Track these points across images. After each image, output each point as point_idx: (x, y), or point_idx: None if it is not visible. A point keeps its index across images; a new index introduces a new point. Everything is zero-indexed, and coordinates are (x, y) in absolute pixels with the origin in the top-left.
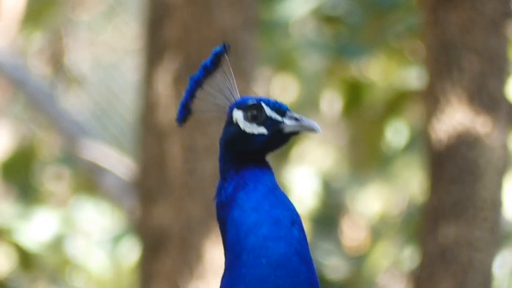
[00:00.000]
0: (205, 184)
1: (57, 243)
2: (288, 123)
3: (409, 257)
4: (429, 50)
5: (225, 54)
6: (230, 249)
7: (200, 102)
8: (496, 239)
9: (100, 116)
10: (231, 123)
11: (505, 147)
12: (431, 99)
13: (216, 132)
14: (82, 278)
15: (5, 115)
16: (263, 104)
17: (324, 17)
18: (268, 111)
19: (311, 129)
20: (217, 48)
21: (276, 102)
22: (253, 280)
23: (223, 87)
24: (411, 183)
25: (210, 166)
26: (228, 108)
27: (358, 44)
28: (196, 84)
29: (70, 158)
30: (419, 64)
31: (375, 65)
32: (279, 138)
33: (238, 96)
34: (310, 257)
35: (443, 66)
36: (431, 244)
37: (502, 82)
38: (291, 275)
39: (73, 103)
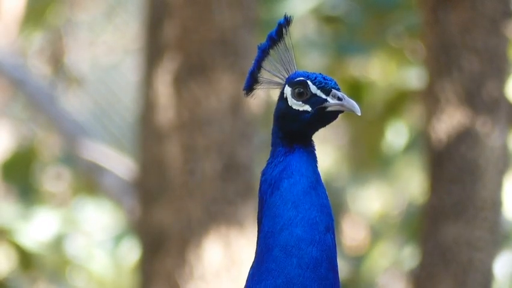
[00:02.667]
0: (205, 184)
1: (57, 243)
2: (331, 101)
3: (409, 257)
4: (429, 50)
5: (287, 26)
6: (263, 237)
7: (265, 73)
8: (496, 239)
9: (100, 116)
10: (282, 98)
11: (505, 147)
12: (431, 99)
13: (216, 132)
14: (82, 278)
15: (5, 115)
16: (309, 82)
17: (324, 17)
18: (313, 88)
19: (351, 110)
20: (281, 19)
21: (323, 79)
22: (281, 277)
23: (284, 60)
24: (412, 183)
25: (210, 166)
26: (284, 81)
27: (358, 44)
28: (263, 54)
29: (70, 158)
30: (419, 64)
31: (375, 64)
32: (323, 117)
33: (295, 70)
34: (337, 265)
35: (443, 66)
36: (431, 244)
37: (501, 82)
38: (318, 279)
39: (73, 103)
